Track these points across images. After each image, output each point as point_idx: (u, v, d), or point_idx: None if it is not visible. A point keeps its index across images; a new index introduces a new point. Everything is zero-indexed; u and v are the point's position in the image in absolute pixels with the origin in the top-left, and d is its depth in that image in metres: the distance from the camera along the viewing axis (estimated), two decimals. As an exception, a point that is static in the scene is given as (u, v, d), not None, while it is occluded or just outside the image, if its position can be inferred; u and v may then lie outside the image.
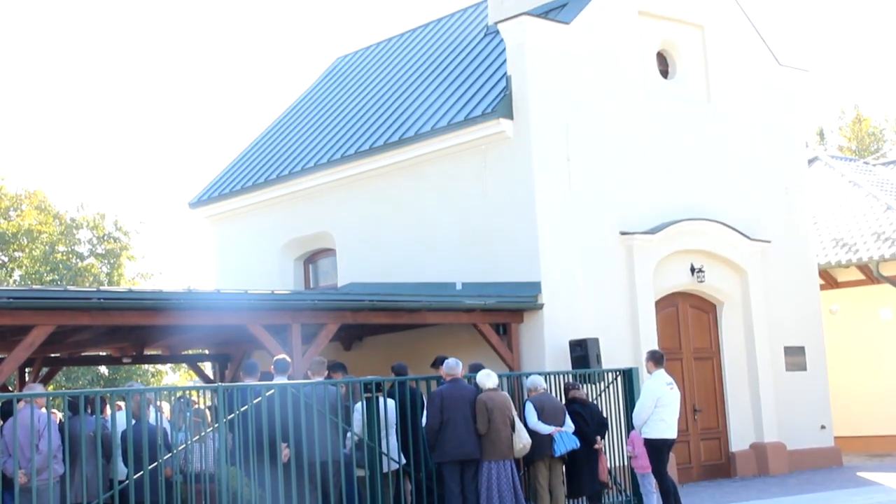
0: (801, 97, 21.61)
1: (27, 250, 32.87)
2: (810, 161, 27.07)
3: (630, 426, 14.64)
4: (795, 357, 20.30)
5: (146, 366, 31.45)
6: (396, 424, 13.16)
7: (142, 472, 11.21)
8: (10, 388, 17.35)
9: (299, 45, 63.94)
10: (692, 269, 18.93)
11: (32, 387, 12.58)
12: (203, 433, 11.95)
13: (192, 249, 56.53)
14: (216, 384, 13.94)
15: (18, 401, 11.14)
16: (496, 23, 19.11)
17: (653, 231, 18.32)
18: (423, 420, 12.85)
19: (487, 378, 12.98)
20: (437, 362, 13.95)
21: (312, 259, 21.98)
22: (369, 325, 16.83)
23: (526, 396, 14.14)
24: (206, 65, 64.49)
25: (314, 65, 64.57)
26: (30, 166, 53.84)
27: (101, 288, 21.57)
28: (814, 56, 62.07)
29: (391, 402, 13.11)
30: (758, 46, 20.83)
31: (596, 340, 16.59)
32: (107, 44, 61.95)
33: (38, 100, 58.75)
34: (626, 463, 14.90)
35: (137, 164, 58.83)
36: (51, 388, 22.51)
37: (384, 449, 12.78)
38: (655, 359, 13.97)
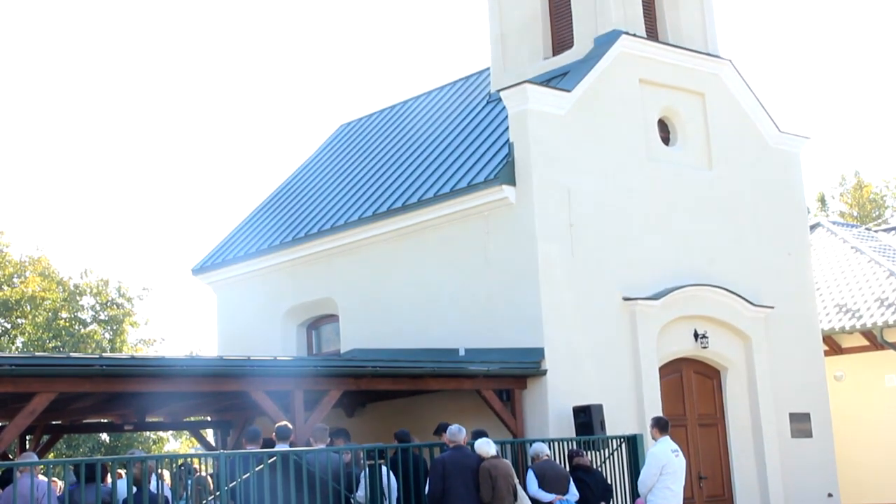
0: (801, 163, 21.72)
1: (30, 317, 32.87)
2: (812, 227, 27.15)
3: (635, 493, 14.52)
4: (801, 424, 20.17)
5: (148, 433, 31.29)
6: (399, 492, 13.07)
7: (142, 541, 11.10)
8: (10, 456, 17.24)
9: (303, 113, 64.49)
10: (696, 335, 18.89)
11: (28, 455, 12.51)
12: (205, 501, 11.85)
13: (194, 315, 56.52)
14: (218, 451, 13.86)
15: (19, 469, 11.07)
16: (498, 90, 19.29)
17: (656, 297, 18.32)
18: (426, 488, 12.76)
19: (487, 446, 12.94)
20: (440, 429, 13.89)
21: (315, 325, 21.96)
22: (372, 391, 16.78)
23: (529, 463, 14.05)
24: (211, 131, 65.01)
25: (318, 132, 65.10)
26: (35, 230, 54.06)
27: (104, 355, 21.56)
28: (814, 122, 62.53)
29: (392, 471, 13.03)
30: (758, 114, 20.99)
31: (600, 407, 16.50)
32: (114, 109, 62.51)
33: (45, 164, 59.15)
34: (631, 531, 14.74)
35: (142, 230, 59.07)
36: (51, 455, 22.37)
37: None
38: (660, 425, 13.90)
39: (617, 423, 16.87)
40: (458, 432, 12.92)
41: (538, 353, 16.96)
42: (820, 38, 64.83)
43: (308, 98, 65.35)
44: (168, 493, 12.26)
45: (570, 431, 16.41)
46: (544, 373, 16.89)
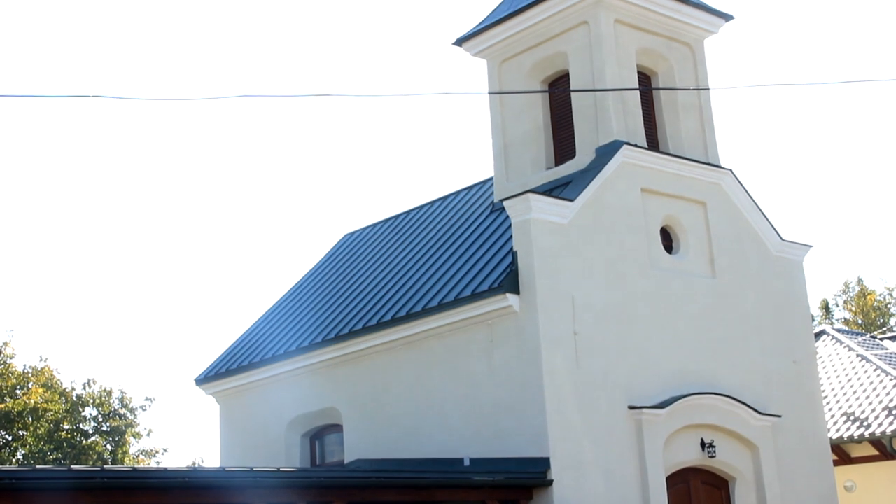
0: (804, 271, 21.77)
1: (31, 429, 32.67)
2: (818, 335, 27.10)
3: None
4: (812, 535, 19.82)
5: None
6: None
7: None
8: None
9: (307, 223, 64.95)
10: (702, 444, 18.71)
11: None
12: None
13: (197, 426, 56.08)
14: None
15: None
16: (502, 200, 19.47)
17: (662, 405, 18.19)
18: None
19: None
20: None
21: (319, 435, 21.78)
22: (377, 502, 16.56)
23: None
24: (216, 242, 65.40)
25: (322, 241, 65.41)
26: (41, 338, 53.97)
27: (105, 467, 21.31)
28: (816, 229, 62.87)
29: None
30: (760, 222, 21.10)
31: (607, 518, 16.27)
32: (118, 219, 62.99)
33: (51, 272, 59.36)
34: None
35: (147, 339, 59.00)
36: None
37: None
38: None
39: (625, 535, 16.60)
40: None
41: (544, 464, 16.79)
42: (821, 145, 65.58)
43: (312, 208, 65.88)
44: None
45: (578, 544, 16.15)
46: (550, 483, 16.69)
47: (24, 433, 32.76)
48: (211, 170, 65.90)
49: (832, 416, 23.97)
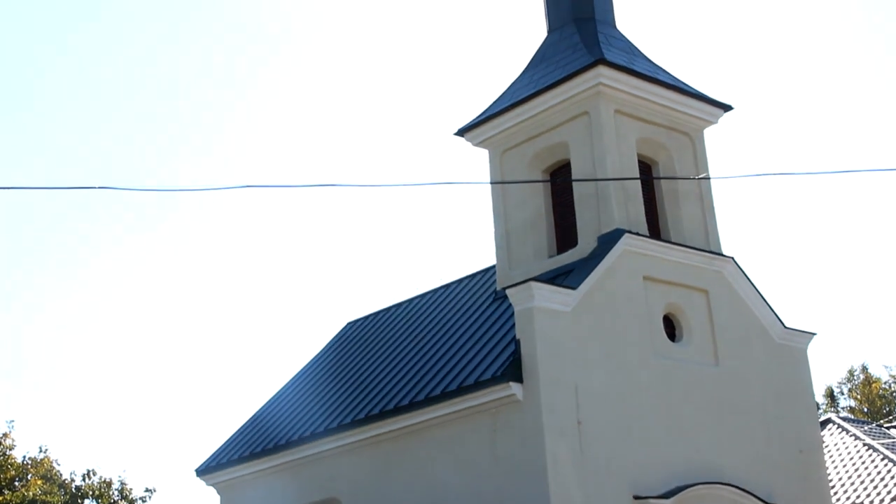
0: (809, 359, 21.67)
1: (30, 522, 32.28)
2: (823, 423, 26.91)
3: None
4: None
5: None
6: None
7: None
8: None
9: (310, 311, 64.91)
10: (709, 535, 18.44)
11: None
12: None
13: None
14: None
15: None
16: (504, 288, 19.49)
17: (667, 495, 17.98)
18: None
19: None
20: None
21: (320, 526, 21.51)
22: None
23: None
24: (217, 330, 65.31)
25: (325, 330, 65.37)
26: (41, 427, 53.62)
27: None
28: (819, 316, 62.78)
29: None
30: (763, 310, 21.07)
31: None
32: (120, 308, 62.99)
33: (51, 362, 59.17)
34: None
35: (146, 429, 58.55)
36: None
37: None
38: None
39: None
40: None
41: (548, 555, 16.53)
42: (824, 233, 65.83)
43: (315, 296, 65.91)
44: None
45: None
46: (555, 575, 16.41)
47: (23, 526, 32.35)
48: (215, 259, 66.14)
49: (840, 506, 23.69)
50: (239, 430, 23.78)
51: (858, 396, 47.02)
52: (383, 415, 19.54)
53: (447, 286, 24.10)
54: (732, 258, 20.87)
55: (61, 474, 33.77)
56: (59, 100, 62.15)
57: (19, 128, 60.44)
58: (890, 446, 25.95)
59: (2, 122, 59.27)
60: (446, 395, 18.49)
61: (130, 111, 62.21)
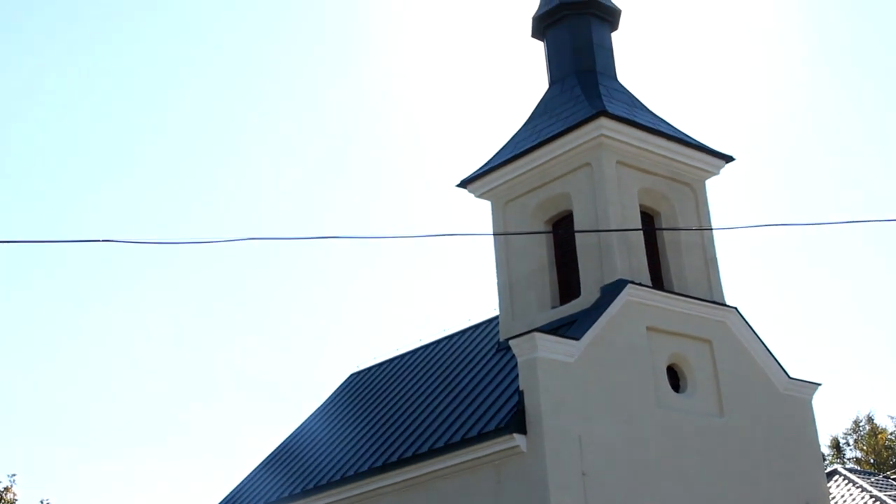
0: (814, 410, 21.57)
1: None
2: (829, 474, 26.71)
3: None
4: None
5: None
6: None
7: None
8: None
9: (313, 363, 64.77)
10: (716, 589, 18.25)
11: None
12: None
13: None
14: None
15: None
16: (507, 339, 19.46)
17: (673, 548, 17.84)
18: None
19: None
20: None
21: (323, 580, 21.31)
22: None
23: None
24: (220, 383, 65.09)
25: (328, 381, 65.16)
26: (43, 481, 53.30)
27: None
28: (823, 366, 62.59)
29: None
30: (766, 360, 21.02)
31: None
32: (120, 362, 62.88)
33: (53, 415, 58.97)
34: None
35: (150, 483, 58.15)
36: None
37: None
38: None
39: None
40: None
41: None
42: (828, 282, 65.79)
43: (318, 348, 65.81)
44: None
45: None
46: None
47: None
48: (218, 311, 66.08)
49: (847, 559, 23.45)
50: (242, 481, 23.67)
51: (864, 447, 46.76)
52: (387, 467, 19.44)
53: (450, 337, 24.07)
54: (735, 308, 20.85)
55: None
56: (60, 154, 62.56)
57: (19, 181, 60.73)
58: (897, 498, 25.74)
59: (3, 176, 59.58)
60: (450, 447, 18.40)
61: (131, 163, 62.57)
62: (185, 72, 62.13)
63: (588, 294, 19.81)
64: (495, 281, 21.53)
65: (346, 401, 24.73)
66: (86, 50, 60.25)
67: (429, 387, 21.88)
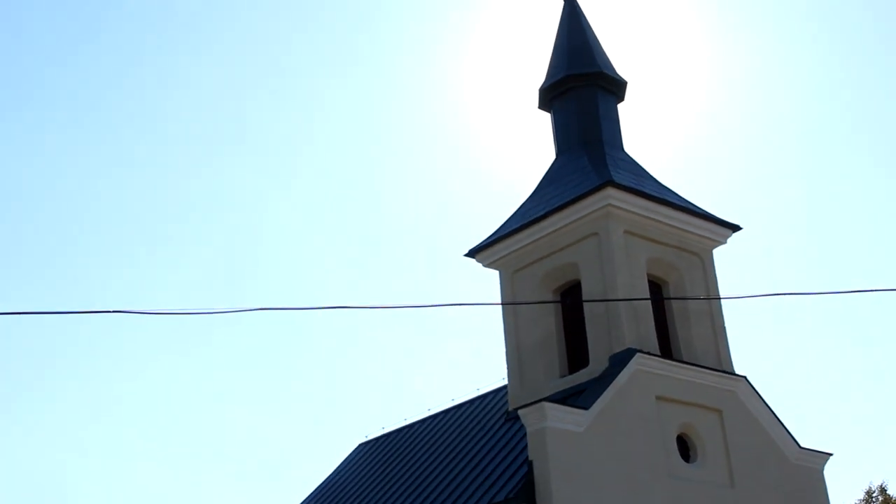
0: (825, 480, 21.37)
1: None
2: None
3: None
4: None
5: None
6: None
7: None
8: None
9: (321, 433, 64.42)
10: None
11: None
12: None
13: None
14: None
15: None
16: (516, 409, 19.38)
17: None
18: None
19: None
20: None
21: None
22: None
23: None
24: (226, 453, 64.68)
25: (336, 451, 64.73)
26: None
27: None
28: (835, 435, 62.04)
29: None
30: (777, 430, 20.88)
31: None
32: (132, 432, 62.57)
33: (64, 486, 58.54)
34: None
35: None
36: None
37: None
38: None
39: None
40: None
41: None
42: (838, 350, 65.50)
43: (326, 418, 65.50)
44: None
45: None
46: None
47: None
48: (227, 382, 65.90)
49: None
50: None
51: (878, 518, 46.11)
52: (395, 538, 19.28)
53: (459, 407, 23.99)
54: (745, 377, 20.78)
55: None
56: (69, 223, 62.93)
57: (29, 251, 61.02)
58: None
59: (8, 247, 59.90)
60: (459, 518, 18.26)
61: (140, 234, 62.88)
62: (194, 137, 62.69)
63: (597, 363, 19.77)
64: (504, 350, 21.51)
65: (354, 471, 24.59)
66: (98, 137, 60.89)
67: (437, 457, 21.76)
